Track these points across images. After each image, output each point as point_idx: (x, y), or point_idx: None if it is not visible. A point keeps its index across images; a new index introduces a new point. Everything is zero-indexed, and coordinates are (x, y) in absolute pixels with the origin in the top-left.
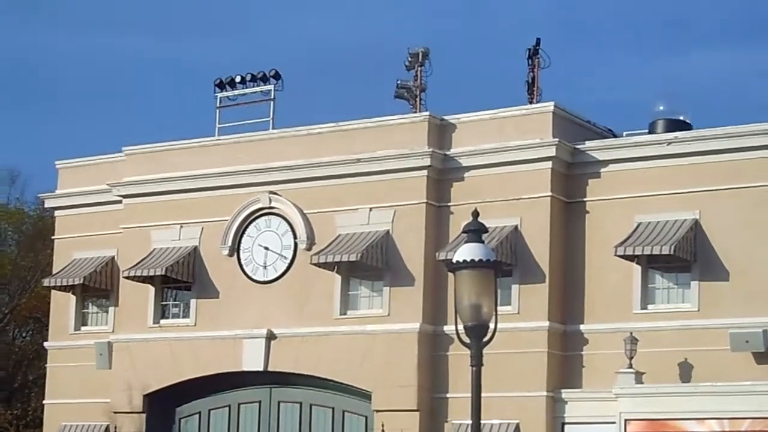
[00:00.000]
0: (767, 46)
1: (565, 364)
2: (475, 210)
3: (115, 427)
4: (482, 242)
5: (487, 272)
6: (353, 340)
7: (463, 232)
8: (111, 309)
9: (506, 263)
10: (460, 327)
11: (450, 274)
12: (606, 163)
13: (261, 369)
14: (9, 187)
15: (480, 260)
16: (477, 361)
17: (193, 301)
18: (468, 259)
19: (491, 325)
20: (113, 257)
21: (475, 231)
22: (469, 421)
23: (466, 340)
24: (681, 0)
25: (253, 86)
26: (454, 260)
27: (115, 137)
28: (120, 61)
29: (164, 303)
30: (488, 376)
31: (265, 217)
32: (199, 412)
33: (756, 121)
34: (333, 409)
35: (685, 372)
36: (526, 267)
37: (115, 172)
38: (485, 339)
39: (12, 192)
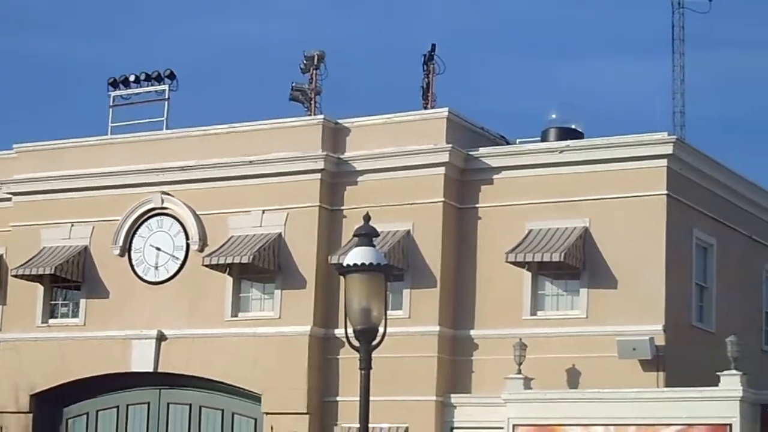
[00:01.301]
0: (659, 57)
1: (455, 368)
2: (367, 214)
3: (1, 427)
4: (373, 246)
5: (377, 276)
6: (244, 342)
7: (354, 235)
8: None
9: (398, 267)
10: (350, 330)
11: (341, 278)
12: (498, 169)
13: (151, 370)
14: None
15: (370, 264)
16: (366, 365)
17: (82, 301)
18: (358, 263)
19: (381, 329)
20: (2, 255)
21: (366, 235)
22: (358, 425)
23: (356, 343)
24: (577, 8)
25: (148, 86)
26: (344, 264)
27: (7, 134)
28: (15, 59)
29: (53, 302)
30: (378, 379)
31: (158, 218)
32: (87, 413)
33: (646, 131)
34: (223, 411)
35: (573, 378)
36: (418, 272)
37: (6, 169)
38: (374, 343)
39: None
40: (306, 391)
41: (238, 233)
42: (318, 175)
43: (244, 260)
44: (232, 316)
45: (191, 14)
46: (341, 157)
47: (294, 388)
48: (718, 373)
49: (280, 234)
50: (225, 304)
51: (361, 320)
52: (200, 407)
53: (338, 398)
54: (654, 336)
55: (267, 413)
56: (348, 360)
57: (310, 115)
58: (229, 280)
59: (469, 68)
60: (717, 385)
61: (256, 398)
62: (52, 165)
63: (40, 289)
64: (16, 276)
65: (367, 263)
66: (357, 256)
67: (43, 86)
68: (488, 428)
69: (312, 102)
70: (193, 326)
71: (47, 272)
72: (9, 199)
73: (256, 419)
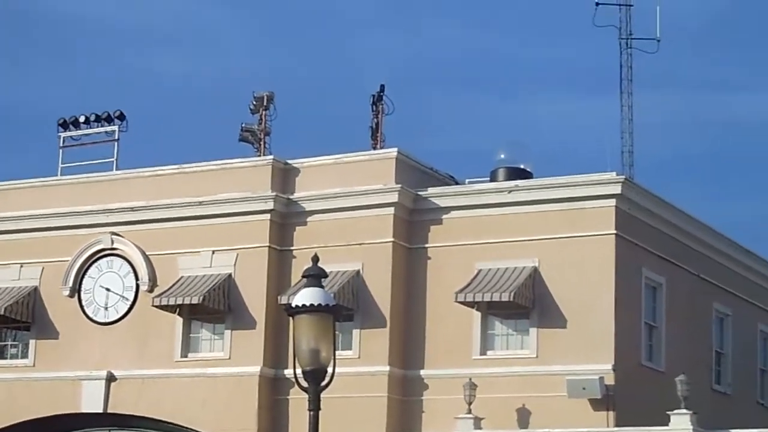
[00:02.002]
0: (608, 96)
1: (405, 408)
2: (315, 255)
3: None
4: (321, 287)
5: (325, 317)
6: (194, 382)
7: (303, 276)
8: None
9: (347, 308)
10: (299, 371)
11: (291, 318)
12: (448, 209)
13: (101, 411)
14: None
15: (319, 305)
16: (314, 405)
17: (32, 342)
18: (307, 304)
19: (329, 370)
20: None
21: (315, 275)
22: None
23: (305, 384)
24: (527, 47)
25: (98, 126)
26: (293, 304)
27: None
28: None
29: (2, 343)
30: (328, 420)
31: (107, 258)
32: None
33: (595, 170)
34: None
35: (524, 418)
36: (368, 312)
37: None
38: (323, 383)
39: None
40: (256, 431)
41: (188, 273)
42: (268, 216)
43: (195, 301)
44: (182, 357)
45: (141, 54)
46: (291, 197)
47: (244, 429)
48: (668, 413)
49: (230, 274)
50: (175, 345)
51: (309, 361)
52: None
53: None
54: (604, 375)
55: None
56: (298, 400)
57: (259, 155)
58: (179, 320)
59: (419, 108)
60: (667, 425)
61: None
62: (2, 205)
63: None
64: None
65: (315, 304)
66: (305, 297)
67: None
68: None
69: (261, 142)
70: (143, 367)
71: None
72: None
73: None
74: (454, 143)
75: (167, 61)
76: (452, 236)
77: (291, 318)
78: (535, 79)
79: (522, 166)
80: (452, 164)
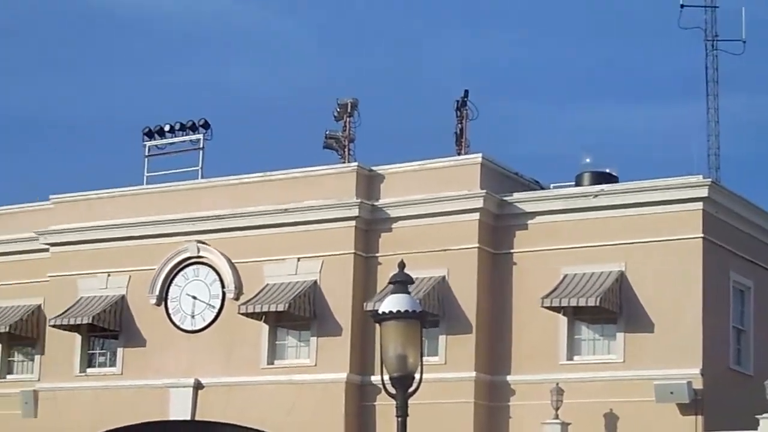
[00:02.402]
0: (694, 99)
1: (492, 414)
2: (401, 261)
3: None
4: (408, 293)
5: (412, 323)
6: (280, 389)
7: (390, 283)
8: (37, 357)
9: (433, 314)
10: (386, 377)
11: (377, 325)
12: (533, 215)
13: (188, 418)
14: None
15: (405, 311)
16: (402, 412)
17: (120, 350)
18: (394, 310)
19: (417, 376)
20: (39, 305)
21: (401, 282)
22: None
23: (392, 390)
24: (612, 51)
25: (182, 135)
26: (379, 311)
27: (44, 185)
28: (52, 109)
29: (91, 352)
30: (415, 426)
31: (194, 267)
32: None
33: (681, 174)
34: None
35: (611, 423)
36: (454, 317)
37: (43, 220)
38: (411, 389)
39: None
40: None
41: (273, 281)
42: (353, 223)
43: (280, 308)
44: (268, 364)
45: (226, 63)
46: (376, 204)
47: None
48: (757, 417)
49: (315, 281)
50: (261, 352)
51: (397, 367)
52: None
53: None
54: (692, 380)
55: None
56: (384, 407)
57: (344, 162)
58: (265, 327)
59: (503, 113)
60: (756, 429)
61: None
62: (88, 215)
63: (77, 338)
64: (54, 326)
65: (402, 310)
66: (392, 303)
67: (79, 137)
68: None
69: (346, 149)
70: (229, 374)
71: (85, 322)
72: (46, 250)
73: None
74: (538, 148)
75: (251, 70)
76: (538, 241)
77: (378, 324)
78: (619, 83)
79: (607, 170)
80: (537, 169)
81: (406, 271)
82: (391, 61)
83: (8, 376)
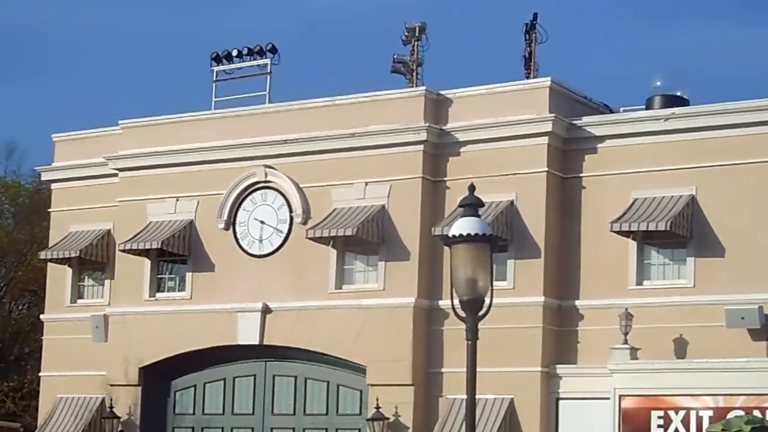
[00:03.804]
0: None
1: (560, 339)
2: (471, 184)
3: (111, 400)
4: (478, 216)
5: (482, 246)
6: (348, 314)
7: (459, 206)
8: (107, 282)
9: (502, 238)
10: (456, 301)
11: (445, 249)
12: (602, 138)
13: (256, 343)
14: (6, 159)
15: (476, 234)
16: (472, 335)
17: (188, 275)
18: (464, 233)
19: (487, 300)
20: (109, 230)
21: (471, 205)
22: (464, 396)
23: (462, 314)
24: None
25: (250, 60)
26: (450, 234)
27: (112, 110)
28: (117, 34)
29: (160, 276)
30: (483, 351)
31: (261, 191)
32: (195, 385)
33: (754, 97)
34: (328, 383)
35: (680, 348)
36: (522, 242)
37: (112, 145)
38: (480, 313)
39: (9, 165)
40: (411, 362)
41: (341, 206)
42: (420, 147)
43: (348, 232)
44: (336, 289)
45: None
46: (444, 128)
47: (399, 360)
48: None
49: (383, 206)
50: (329, 277)
51: (467, 291)
52: (305, 379)
53: (443, 369)
54: (763, 305)
55: (372, 385)
56: (452, 331)
57: (412, 86)
58: (333, 252)
59: (571, 36)
60: None
61: (361, 370)
62: (156, 140)
63: (147, 263)
64: (123, 251)
65: (473, 234)
66: (463, 226)
67: (147, 62)
68: (594, 399)
69: (414, 74)
70: (297, 299)
71: (154, 246)
72: (115, 175)
73: (361, 391)
74: (608, 71)
75: None
76: (607, 165)
77: (447, 248)
78: (691, 4)
79: (679, 94)
80: (606, 93)
81: (476, 194)
82: None
83: (79, 301)
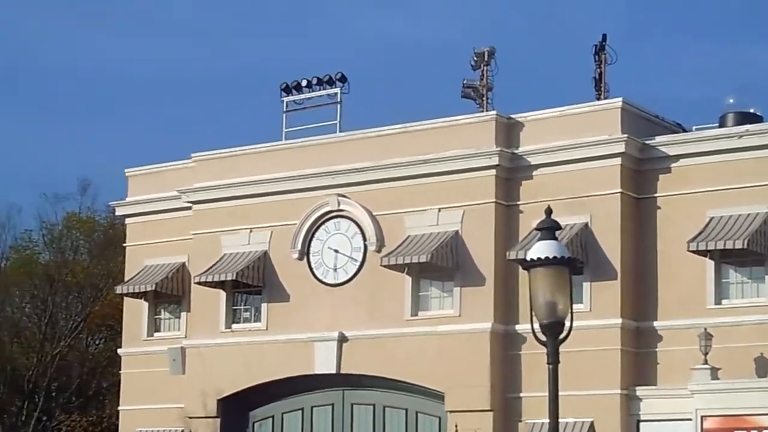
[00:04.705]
0: None
1: (639, 361)
2: (548, 207)
3: None
4: (556, 239)
5: (561, 269)
6: (425, 340)
7: (537, 229)
8: (183, 314)
9: (579, 260)
10: (536, 325)
11: (521, 273)
12: (676, 158)
13: (333, 371)
14: (80, 195)
15: (555, 258)
16: (554, 359)
17: (264, 305)
18: (542, 257)
19: (567, 323)
20: (184, 263)
21: (549, 228)
22: (544, 420)
23: (542, 338)
24: None
25: (319, 89)
26: (528, 258)
27: (184, 144)
28: (185, 67)
29: (235, 307)
30: (562, 374)
31: (335, 220)
32: (273, 416)
33: None
34: (406, 410)
35: (762, 367)
36: (598, 264)
37: (184, 178)
38: (561, 336)
39: (83, 201)
40: (489, 388)
41: (415, 232)
42: (493, 171)
43: (423, 259)
44: (412, 316)
45: (359, 16)
46: (515, 152)
47: (477, 386)
48: None
49: (456, 231)
50: (404, 304)
51: (547, 314)
52: (384, 407)
53: (522, 394)
54: None
55: (450, 411)
56: (530, 355)
57: (482, 111)
58: (408, 279)
59: (640, 56)
60: None
61: (438, 396)
62: (229, 172)
63: (222, 295)
64: (199, 283)
65: (551, 257)
66: (541, 250)
67: (217, 94)
68: (675, 420)
69: (484, 98)
70: (373, 327)
71: (229, 278)
72: (189, 208)
73: (439, 417)
74: (678, 91)
75: (387, 22)
76: (682, 184)
77: (524, 272)
78: (762, 21)
79: (752, 111)
80: (678, 112)
81: (552, 217)
82: (529, 9)
83: (155, 334)
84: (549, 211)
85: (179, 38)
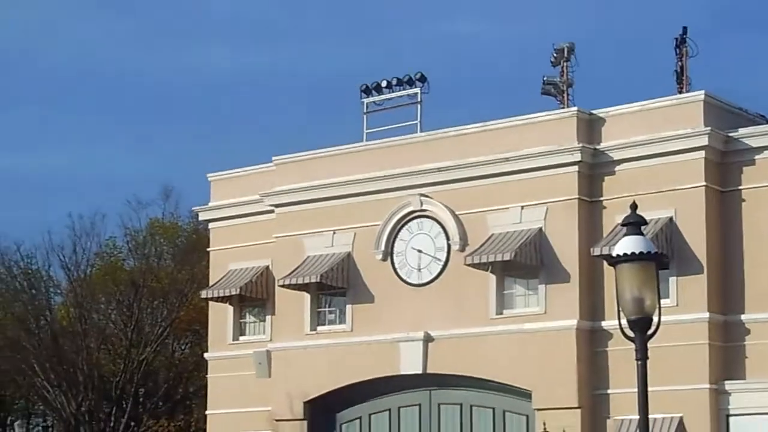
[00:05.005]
0: None
1: (727, 355)
2: (633, 202)
3: None
4: (642, 235)
5: (648, 265)
6: (510, 339)
7: (622, 225)
8: (268, 318)
9: (665, 255)
10: (623, 321)
11: (606, 269)
12: (760, 149)
13: (419, 372)
14: (163, 202)
15: (641, 253)
16: (642, 355)
17: (348, 307)
18: (629, 252)
19: (655, 318)
20: (268, 266)
21: (635, 223)
22: (632, 417)
23: (630, 333)
24: None
25: (399, 90)
26: (614, 254)
27: (266, 147)
28: (265, 72)
29: (320, 309)
30: (650, 370)
31: (417, 220)
32: (360, 417)
33: None
34: (494, 409)
35: None
36: (683, 258)
37: (266, 182)
38: (649, 332)
39: (166, 207)
40: (576, 385)
41: (498, 231)
42: (575, 168)
43: (507, 257)
44: (497, 314)
45: (435, 16)
46: (597, 147)
47: (564, 383)
48: None
49: (540, 229)
50: (489, 302)
51: (634, 310)
52: (471, 406)
53: (609, 391)
54: None
55: (538, 409)
56: (617, 352)
57: (563, 107)
58: (492, 277)
59: (721, 49)
60: None
61: (526, 395)
62: (310, 175)
63: (306, 297)
64: (283, 286)
65: (638, 252)
66: (627, 245)
67: (297, 97)
68: (765, 414)
69: (564, 94)
70: (458, 326)
71: (313, 280)
72: (272, 211)
73: (527, 416)
74: (761, 83)
75: (465, 21)
76: (767, 176)
77: (610, 268)
78: None
79: None
80: (761, 104)
81: (637, 212)
82: (605, 2)
83: (241, 338)
84: (634, 206)
85: (260, 43)
